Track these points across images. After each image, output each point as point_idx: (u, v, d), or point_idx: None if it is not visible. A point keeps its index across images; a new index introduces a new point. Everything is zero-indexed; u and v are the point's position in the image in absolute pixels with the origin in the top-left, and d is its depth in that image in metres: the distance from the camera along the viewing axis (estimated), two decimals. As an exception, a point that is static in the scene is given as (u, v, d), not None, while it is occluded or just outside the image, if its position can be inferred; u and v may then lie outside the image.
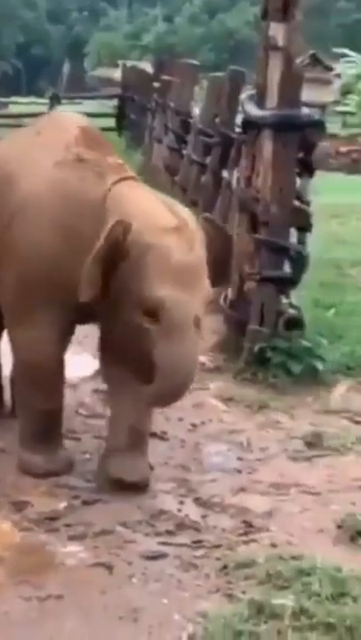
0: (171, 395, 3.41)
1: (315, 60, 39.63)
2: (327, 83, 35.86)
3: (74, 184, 3.53)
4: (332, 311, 6.14)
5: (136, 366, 3.43)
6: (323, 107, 34.64)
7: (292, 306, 5.10)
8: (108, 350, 3.65)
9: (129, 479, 3.54)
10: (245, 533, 3.30)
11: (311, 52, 39.05)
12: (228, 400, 4.65)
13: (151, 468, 3.72)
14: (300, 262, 5.12)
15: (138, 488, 3.56)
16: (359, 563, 3.06)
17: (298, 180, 5.16)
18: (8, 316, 3.76)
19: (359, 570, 2.98)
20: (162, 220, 3.37)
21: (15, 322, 3.66)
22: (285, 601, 2.74)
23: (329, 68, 37.40)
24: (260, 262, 5.06)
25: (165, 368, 3.27)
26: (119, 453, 3.59)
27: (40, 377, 3.65)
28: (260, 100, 4.95)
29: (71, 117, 3.97)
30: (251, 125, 5.12)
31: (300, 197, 5.14)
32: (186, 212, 3.51)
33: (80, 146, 3.64)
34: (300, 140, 5.03)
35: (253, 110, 5.00)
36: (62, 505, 3.46)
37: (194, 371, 3.40)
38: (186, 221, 3.42)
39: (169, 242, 3.32)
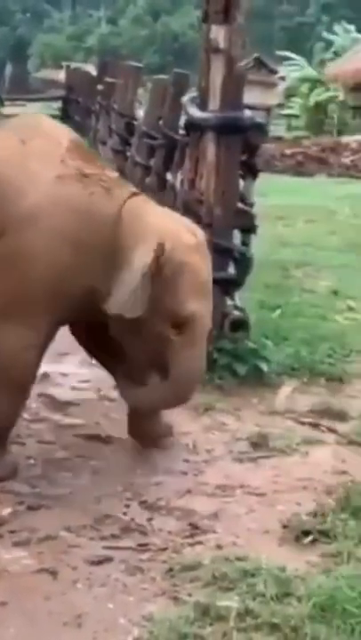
0: (183, 398, 3.81)
1: (259, 63, 39.85)
2: (272, 86, 36.08)
3: (83, 199, 3.58)
4: (277, 313, 6.18)
5: (144, 369, 3.70)
6: (268, 109, 34.99)
7: (236, 307, 5.12)
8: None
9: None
10: (191, 535, 3.29)
11: (255, 55, 39.31)
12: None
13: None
14: (244, 264, 5.14)
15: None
16: (304, 562, 3.08)
17: (241, 182, 5.18)
18: None
19: (304, 570, 3.01)
20: (186, 239, 3.64)
21: (2, 324, 3.55)
22: (230, 602, 2.75)
23: (273, 71, 37.65)
24: (205, 264, 5.05)
25: (183, 374, 3.63)
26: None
27: (17, 381, 3.64)
28: (202, 102, 4.96)
29: (55, 126, 3.93)
30: (194, 128, 5.13)
31: (243, 199, 5.16)
32: (198, 230, 3.80)
33: (76, 159, 3.66)
34: (242, 143, 5.05)
35: (196, 113, 5.01)
36: (6, 511, 3.42)
37: (202, 377, 3.85)
38: (203, 239, 3.75)
39: (196, 260, 3.64)
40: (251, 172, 5.19)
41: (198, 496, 3.63)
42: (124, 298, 3.50)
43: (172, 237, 3.57)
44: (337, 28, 37.18)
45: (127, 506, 3.51)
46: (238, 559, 3.03)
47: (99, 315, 3.60)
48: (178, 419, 4.42)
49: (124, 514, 3.44)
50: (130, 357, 3.74)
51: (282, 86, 34.72)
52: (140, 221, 3.59)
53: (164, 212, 3.82)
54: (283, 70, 34.75)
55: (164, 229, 3.60)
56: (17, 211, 3.52)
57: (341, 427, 4.44)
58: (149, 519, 3.41)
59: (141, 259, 3.50)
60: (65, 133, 3.84)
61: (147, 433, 4.03)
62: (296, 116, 32.76)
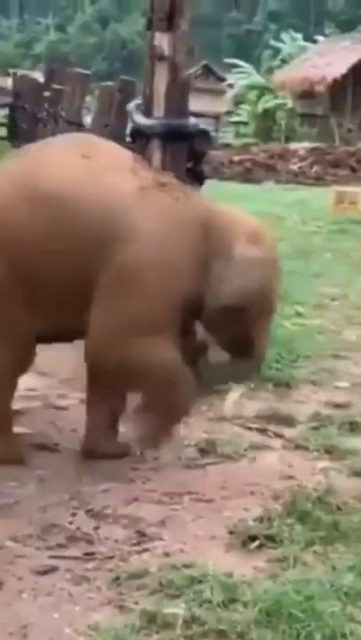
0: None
1: (207, 71, 40.09)
2: (220, 93, 36.34)
3: (173, 207, 3.76)
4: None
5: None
6: (217, 117, 35.17)
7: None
8: None
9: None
10: (138, 543, 3.27)
11: (204, 62, 39.51)
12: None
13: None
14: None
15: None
16: (251, 568, 3.08)
17: (187, 189, 5.19)
18: (128, 328, 3.68)
19: (250, 575, 3.01)
20: (265, 232, 4.05)
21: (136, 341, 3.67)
22: (177, 610, 2.74)
23: (221, 79, 37.90)
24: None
25: (264, 350, 4.08)
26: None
27: (177, 383, 3.79)
28: (147, 109, 4.97)
29: (102, 140, 4.12)
30: (139, 135, 5.13)
31: (190, 206, 5.16)
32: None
33: (145, 169, 3.86)
34: (188, 150, 5.07)
35: (141, 120, 5.01)
36: None
37: None
38: None
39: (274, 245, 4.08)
40: (197, 178, 5.20)
41: (145, 503, 3.61)
42: (245, 287, 3.78)
43: (260, 229, 3.97)
44: (284, 36, 37.53)
45: (74, 515, 3.48)
46: (185, 566, 3.02)
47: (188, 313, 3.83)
48: (124, 427, 4.41)
49: (71, 523, 3.41)
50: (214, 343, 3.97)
51: (230, 94, 34.93)
52: (223, 219, 3.86)
53: (227, 206, 4.17)
54: (231, 78, 34.99)
55: (249, 222, 3.96)
56: (115, 228, 3.62)
57: (288, 432, 4.46)
58: (96, 528, 3.38)
59: (249, 251, 3.80)
60: (116, 145, 4.01)
61: (105, 452, 4.01)
62: (245, 124, 32.96)
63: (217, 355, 3.99)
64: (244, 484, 3.81)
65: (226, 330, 3.89)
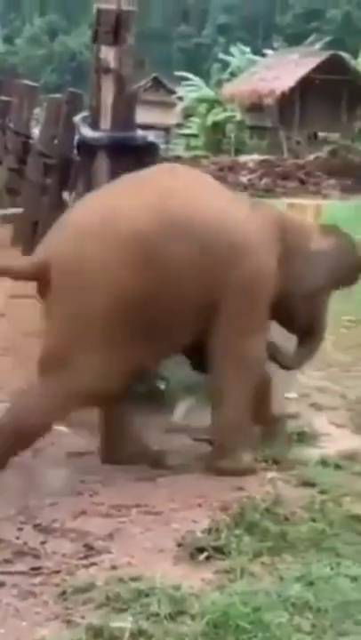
0: None
1: (157, 84, 40.25)
2: (170, 105, 36.48)
3: (263, 218, 4.25)
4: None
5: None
6: (167, 129, 35.26)
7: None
8: None
9: None
10: (86, 557, 3.26)
11: (153, 75, 39.66)
12: (71, 423, 4.60)
13: None
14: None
15: None
16: (198, 580, 3.08)
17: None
18: (237, 331, 4.10)
19: (198, 587, 3.01)
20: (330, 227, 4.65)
21: (246, 334, 4.12)
22: (124, 623, 2.72)
23: (171, 92, 38.05)
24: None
25: (324, 331, 4.60)
26: None
27: (257, 380, 4.24)
28: (93, 121, 4.96)
29: (184, 167, 4.53)
30: (86, 147, 5.12)
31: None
32: None
33: (231, 193, 4.41)
34: (135, 162, 5.06)
35: (88, 132, 5.00)
36: None
37: None
38: None
39: None
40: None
41: (93, 517, 3.60)
42: (324, 272, 4.38)
43: (325, 225, 4.63)
44: (233, 49, 37.79)
45: (20, 529, 3.46)
46: (132, 579, 3.00)
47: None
48: (74, 440, 4.40)
49: (17, 538, 3.38)
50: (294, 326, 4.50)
51: (180, 106, 35.07)
52: (292, 221, 4.48)
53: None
54: (181, 90, 35.12)
55: (313, 222, 4.74)
56: (236, 247, 4.05)
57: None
58: (43, 542, 3.36)
59: (322, 242, 4.40)
60: (196, 170, 4.57)
61: None
62: (195, 136, 33.10)
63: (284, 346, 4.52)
64: (193, 496, 3.81)
65: (296, 315, 4.41)
